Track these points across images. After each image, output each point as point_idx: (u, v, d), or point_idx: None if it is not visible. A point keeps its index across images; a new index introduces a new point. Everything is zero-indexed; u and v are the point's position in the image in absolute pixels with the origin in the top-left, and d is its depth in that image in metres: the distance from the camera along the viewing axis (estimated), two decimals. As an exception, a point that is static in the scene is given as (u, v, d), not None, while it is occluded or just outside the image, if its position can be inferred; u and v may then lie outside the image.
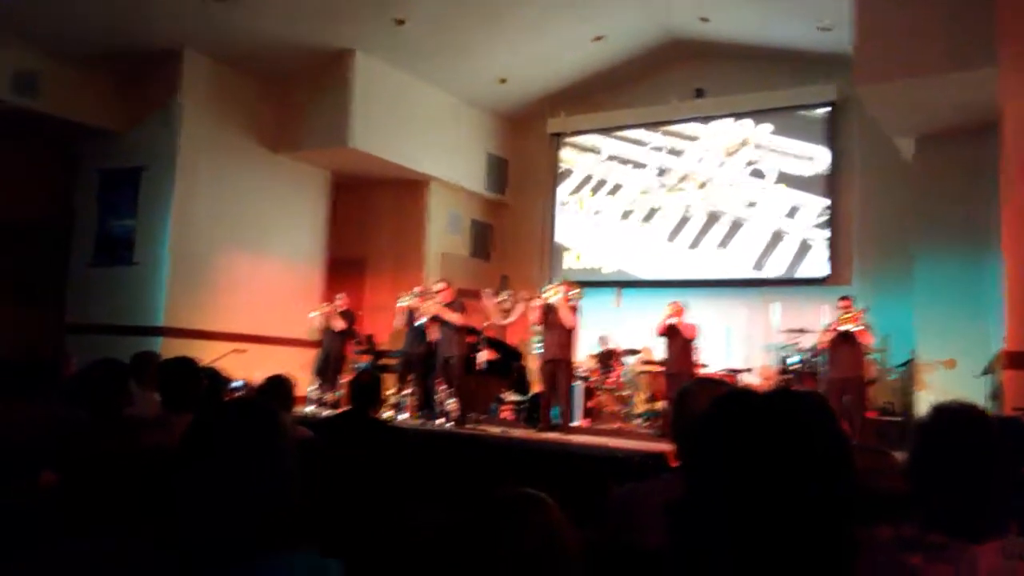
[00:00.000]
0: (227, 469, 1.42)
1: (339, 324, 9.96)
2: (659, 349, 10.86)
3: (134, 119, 10.73)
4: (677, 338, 8.90)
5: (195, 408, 3.33)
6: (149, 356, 5.07)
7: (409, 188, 12.48)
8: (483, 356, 9.39)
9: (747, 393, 1.14)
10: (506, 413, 10.18)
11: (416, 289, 9.51)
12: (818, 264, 11.11)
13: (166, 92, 10.47)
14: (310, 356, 10.28)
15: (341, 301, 10.18)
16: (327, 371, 9.76)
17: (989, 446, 1.70)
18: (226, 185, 10.83)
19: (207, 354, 8.63)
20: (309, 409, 8.91)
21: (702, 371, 9.67)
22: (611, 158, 13.03)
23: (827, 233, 11.10)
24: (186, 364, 3.78)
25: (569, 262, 13.07)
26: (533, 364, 10.40)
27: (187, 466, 1.44)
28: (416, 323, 9.24)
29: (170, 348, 8.91)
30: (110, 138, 10.77)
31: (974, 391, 7.66)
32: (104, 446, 2.85)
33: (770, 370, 10.45)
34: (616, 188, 12.90)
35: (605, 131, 13.06)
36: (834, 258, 11.02)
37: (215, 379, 4.37)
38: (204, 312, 10.42)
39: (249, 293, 10.92)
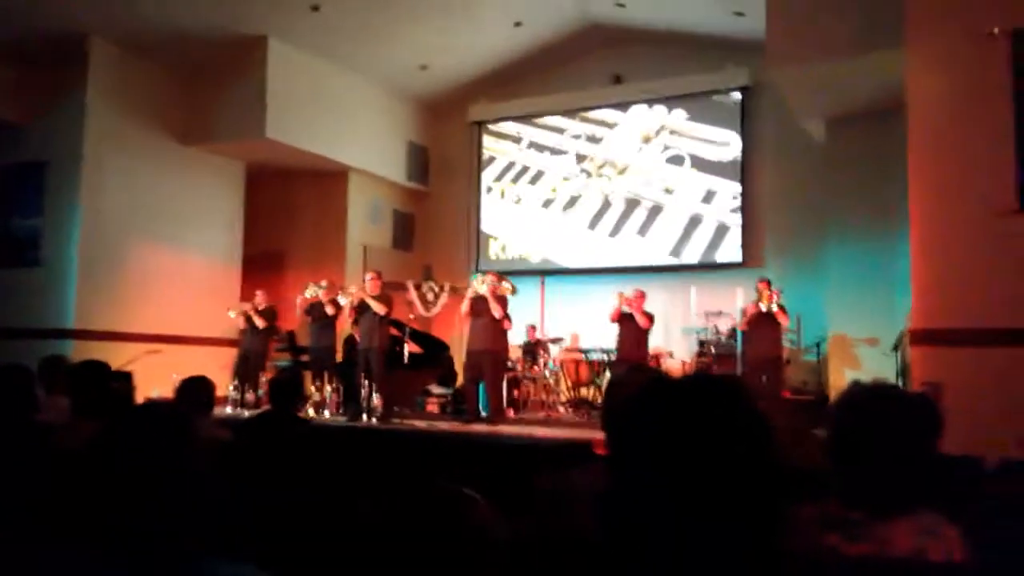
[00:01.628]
0: (136, 476, 1.37)
1: (260, 322, 9.74)
2: (588, 336, 11.01)
3: (36, 111, 10.27)
4: (630, 326, 8.88)
5: (105, 414, 3.20)
6: (57, 360, 4.90)
7: (328, 179, 12.28)
8: (407, 349, 9.31)
9: (667, 378, 1.14)
10: (433, 406, 10.14)
11: (323, 282, 9.37)
12: (733, 248, 11.37)
13: (70, 82, 10.04)
14: (229, 356, 10.05)
15: (260, 298, 9.96)
16: (247, 371, 9.55)
17: (903, 421, 1.75)
18: (137, 180, 10.46)
19: (121, 356, 8.36)
20: (229, 410, 8.70)
21: (663, 359, 9.80)
22: (532, 145, 13.08)
23: (740, 217, 11.36)
24: (95, 368, 3.65)
25: (495, 251, 13.08)
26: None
27: (96, 473, 1.39)
28: (321, 317, 9.10)
29: (82, 351, 8.56)
30: (12, 131, 10.28)
31: (885, 367, 7.98)
32: (10, 453, 2.73)
33: (688, 354, 10.67)
34: (538, 176, 12.96)
35: (525, 118, 13.10)
36: (747, 242, 11.30)
37: (126, 383, 4.22)
38: (117, 313, 10.07)
39: (164, 292, 10.59)
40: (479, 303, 8.39)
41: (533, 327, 11.21)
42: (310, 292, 9.26)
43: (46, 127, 10.17)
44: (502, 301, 8.44)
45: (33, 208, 10.18)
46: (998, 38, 5.93)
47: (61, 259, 9.90)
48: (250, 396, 9.19)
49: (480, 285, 8.42)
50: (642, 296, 8.95)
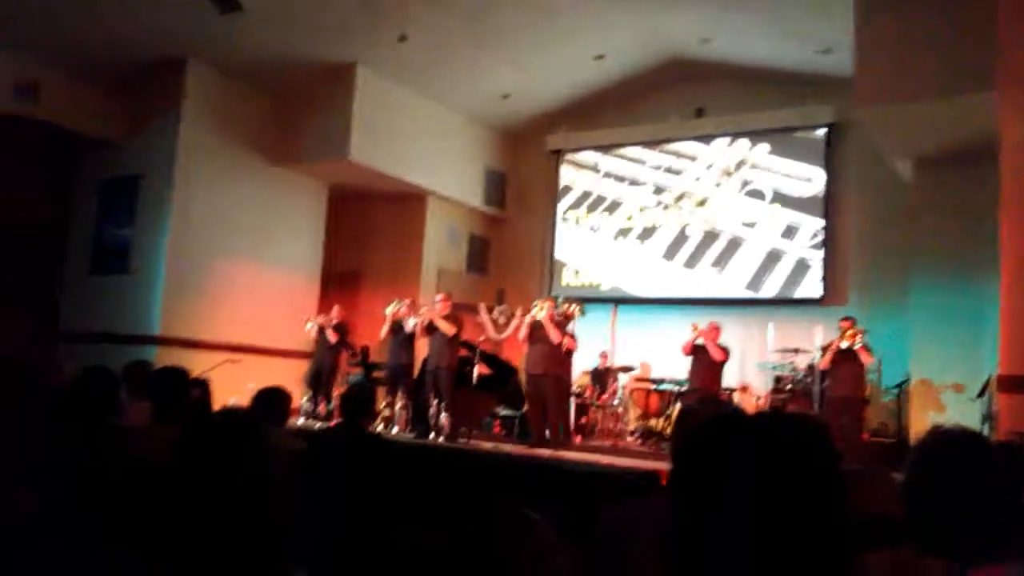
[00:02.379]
0: (213, 483, 1.40)
1: (332, 336, 9.94)
2: (658, 366, 10.89)
3: (134, 129, 10.75)
4: (704, 358, 8.73)
5: (184, 420, 3.30)
6: (141, 365, 5.03)
7: (407, 202, 12.49)
8: (477, 370, 9.35)
9: (739, 414, 1.12)
10: (499, 428, 10.15)
11: (405, 300, 9.49)
12: (813, 285, 11.12)
13: (167, 102, 10.49)
14: (304, 368, 10.25)
15: (336, 313, 10.17)
16: (319, 383, 9.74)
17: (985, 470, 1.68)
18: (224, 195, 10.83)
19: (202, 364, 8.60)
20: (301, 421, 8.86)
21: (733, 393, 9.63)
22: (609, 175, 13.06)
23: (822, 254, 11.11)
24: (176, 374, 3.75)
25: (568, 278, 13.07)
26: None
27: (176, 479, 1.42)
28: (401, 333, 9.21)
29: (165, 357, 8.87)
30: (109, 147, 10.78)
31: (969, 414, 7.66)
32: (91, 458, 2.82)
33: (764, 390, 10.44)
34: (614, 205, 12.92)
35: (604, 148, 13.10)
36: (829, 279, 11.03)
37: (205, 390, 4.33)
38: (199, 322, 10.39)
39: (245, 303, 10.90)
40: (537, 328, 8.42)
41: (604, 354, 11.14)
42: (391, 308, 9.39)
43: (143, 144, 10.63)
44: (561, 325, 8.43)
45: (126, 219, 10.62)
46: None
47: (149, 268, 10.29)
48: (322, 408, 9.35)
49: (538, 311, 8.45)
50: (717, 329, 8.80)
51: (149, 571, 1.36)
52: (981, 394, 7.72)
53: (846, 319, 8.45)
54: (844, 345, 8.15)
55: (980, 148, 6.99)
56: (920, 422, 8.40)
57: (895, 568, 1.66)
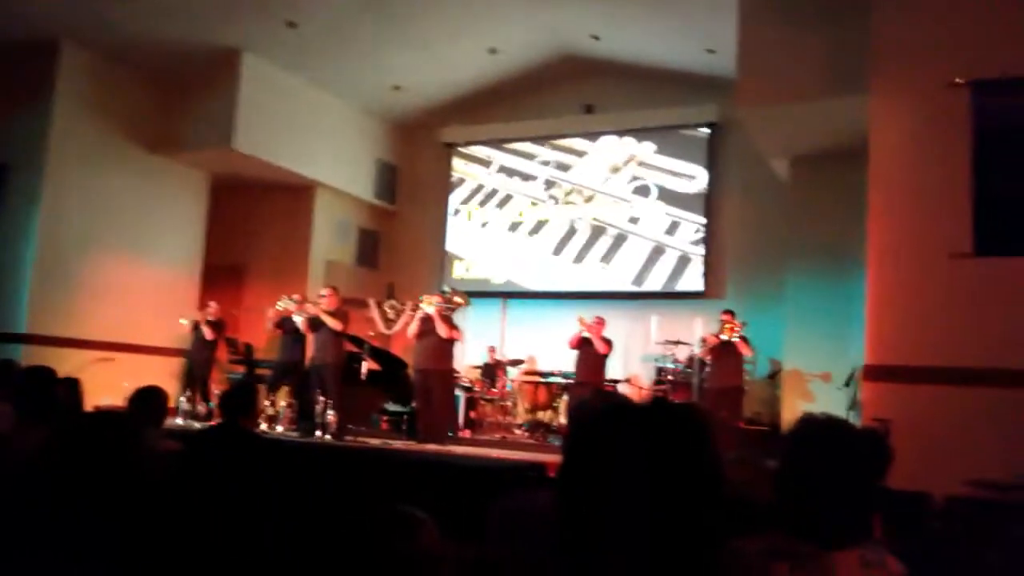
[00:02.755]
0: (82, 483, 1.34)
1: (209, 332, 9.62)
2: (546, 359, 11.04)
3: (1, 114, 10.09)
4: (589, 351, 8.94)
5: (51, 421, 3.13)
6: (6, 364, 4.79)
7: (295, 193, 12.21)
8: (365, 366, 9.25)
9: (629, 404, 1.15)
10: (388, 425, 10.07)
11: (295, 296, 9.29)
12: (695, 279, 11.50)
13: (37, 85, 9.90)
14: (181, 366, 9.91)
15: (213, 309, 9.85)
16: (194, 381, 9.42)
17: (851, 456, 1.77)
18: (99, 185, 10.31)
19: (74, 362, 8.21)
20: (180, 421, 8.55)
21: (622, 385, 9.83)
22: (501, 170, 13.13)
23: (703, 249, 11.50)
24: (40, 373, 3.57)
25: (459, 272, 13.08)
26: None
27: (41, 481, 1.36)
28: (290, 330, 9.02)
29: (33, 356, 8.41)
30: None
31: (836, 402, 8.09)
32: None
33: (646, 381, 10.73)
34: (506, 199, 13.00)
35: (496, 143, 13.16)
36: (709, 274, 11.43)
37: (74, 389, 4.13)
38: (71, 318, 9.87)
39: (120, 299, 10.41)
40: (426, 323, 8.41)
41: (493, 348, 11.21)
42: (281, 305, 9.17)
43: (9, 129, 9.99)
44: (448, 319, 8.46)
45: (-11, 209, 9.98)
46: (960, 88, 6.11)
47: (15, 262, 9.69)
48: (202, 408, 9.06)
49: (427, 305, 8.46)
50: (601, 322, 9.04)
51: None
52: (847, 383, 8.16)
53: (727, 312, 8.78)
54: (724, 337, 8.47)
55: (853, 147, 7.36)
56: (793, 411, 8.80)
57: (766, 553, 1.73)
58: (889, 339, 6.26)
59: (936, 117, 6.29)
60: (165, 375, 9.88)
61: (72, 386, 4.15)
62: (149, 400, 4.19)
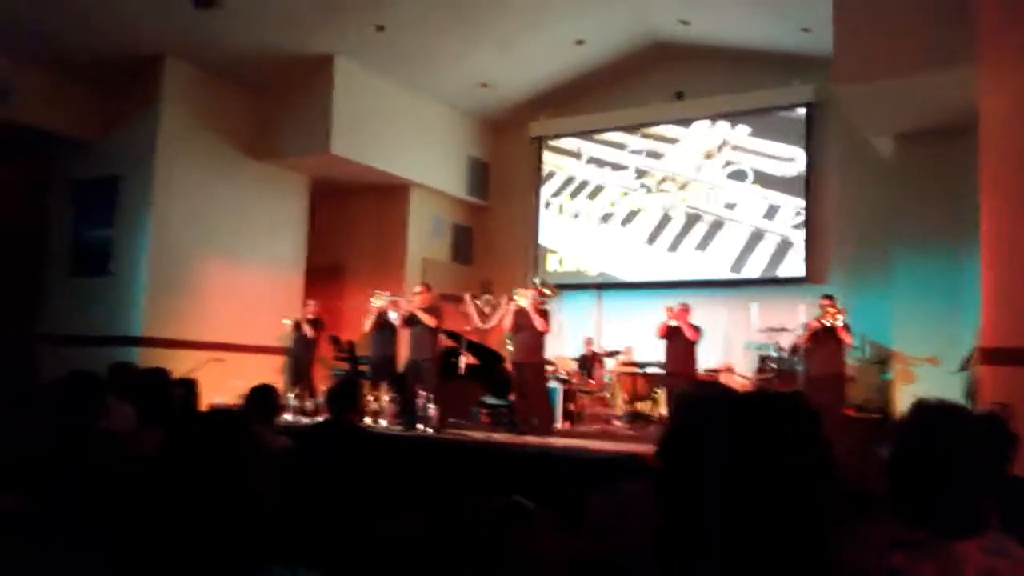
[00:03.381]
0: (199, 484, 1.39)
1: (309, 330, 9.91)
2: (643, 350, 10.93)
3: (111, 128, 10.65)
4: (678, 340, 8.83)
5: (168, 421, 3.28)
6: (125, 367, 5.00)
7: (390, 193, 12.45)
8: (464, 360, 9.35)
9: (729, 395, 1.13)
10: (487, 418, 10.16)
11: (387, 293, 9.47)
12: (796, 264, 11.17)
13: (145, 100, 10.39)
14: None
15: (312, 307, 10.14)
16: (300, 378, 9.72)
17: (969, 443, 1.70)
18: (205, 193, 10.74)
19: (186, 364, 8.57)
20: (289, 418, 8.84)
21: (702, 373, 9.69)
22: (592, 161, 13.06)
23: (804, 233, 11.16)
24: (158, 375, 3.72)
25: (552, 265, 13.08)
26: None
27: (160, 482, 1.41)
28: (387, 326, 9.20)
29: (148, 358, 8.84)
30: (86, 147, 10.68)
31: (951, 388, 7.74)
32: (77, 461, 2.80)
33: (747, 370, 10.49)
34: (597, 190, 12.93)
35: (586, 134, 13.09)
36: (811, 258, 11.09)
37: (190, 390, 4.31)
38: (183, 321, 10.32)
39: (228, 301, 10.83)
40: (521, 316, 8.42)
41: (590, 340, 11.16)
42: (377, 301, 9.38)
43: (120, 142, 10.52)
44: (543, 312, 8.45)
45: (105, 220, 10.52)
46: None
47: (130, 269, 10.21)
48: (309, 404, 9.33)
49: (521, 299, 8.46)
50: (687, 309, 8.90)
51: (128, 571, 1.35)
52: (962, 368, 7.80)
53: (826, 297, 8.50)
54: (826, 324, 8.19)
55: (958, 123, 7.03)
56: (904, 397, 8.47)
57: (883, 542, 1.67)
58: (1006, 320, 5.95)
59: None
60: (271, 373, 10.23)
61: (189, 387, 4.33)
62: (263, 398, 4.34)
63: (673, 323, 8.82)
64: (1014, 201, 6.04)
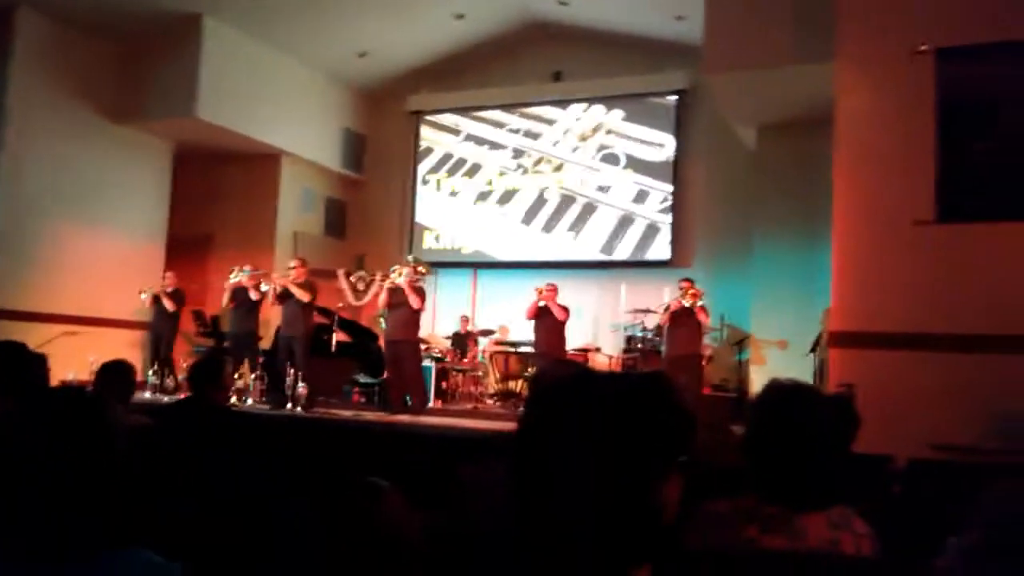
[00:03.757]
0: (45, 463, 1.32)
1: (169, 304, 9.51)
2: (518, 329, 11.06)
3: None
4: (547, 319, 8.92)
5: (19, 397, 3.08)
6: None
7: (260, 162, 12.04)
8: (336, 337, 9.20)
9: (591, 374, 1.14)
10: (359, 396, 10.05)
11: (247, 267, 9.20)
12: (663, 248, 11.55)
13: (-8, 54, 9.64)
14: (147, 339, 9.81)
15: (169, 280, 9.73)
16: (159, 354, 9.33)
17: (819, 422, 1.79)
18: (60, 155, 10.10)
19: (38, 337, 8.06)
20: (148, 395, 8.47)
21: (570, 352, 9.85)
22: (470, 138, 13.05)
23: (671, 217, 11.54)
24: (10, 348, 3.49)
25: (429, 242, 13.02)
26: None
27: (3, 458, 1.33)
28: (245, 302, 8.94)
29: (-6, 331, 8.26)
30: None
31: (802, 369, 8.20)
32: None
33: (616, 351, 10.80)
34: (474, 169, 12.94)
35: (465, 111, 13.06)
36: (677, 242, 11.49)
37: (41, 366, 4.05)
38: (33, 292, 9.70)
39: (83, 272, 10.25)
40: (397, 294, 8.35)
41: (465, 318, 11.20)
42: (234, 276, 9.08)
43: (-36, 98, 9.74)
44: (418, 290, 8.40)
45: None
46: (925, 56, 6.14)
47: (-26, 234, 9.50)
48: (170, 381, 8.98)
49: (397, 276, 8.38)
50: (555, 289, 9.00)
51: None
52: (813, 350, 8.28)
53: (685, 280, 8.80)
54: (686, 304, 8.48)
55: (819, 115, 7.39)
56: (759, 377, 8.91)
57: (736, 516, 1.76)
58: (854, 305, 6.34)
59: (901, 85, 6.33)
60: (131, 348, 9.77)
61: (39, 362, 4.07)
62: (116, 375, 4.13)
63: (542, 303, 8.93)
64: (863, 193, 6.43)
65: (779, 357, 9.07)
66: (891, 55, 6.38)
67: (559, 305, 8.88)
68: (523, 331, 10.81)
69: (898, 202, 6.24)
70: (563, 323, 8.91)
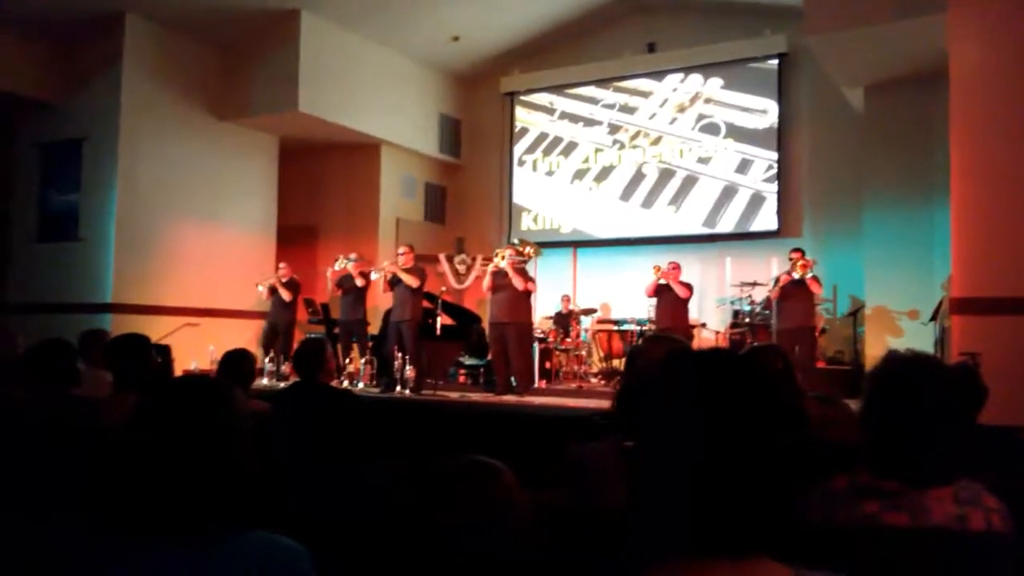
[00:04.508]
0: (177, 450, 1.38)
1: (286, 294, 9.84)
2: (619, 307, 11.00)
3: (73, 88, 10.38)
4: (668, 297, 8.87)
5: (145, 386, 3.24)
6: (98, 334, 4.94)
7: (361, 152, 12.29)
8: (440, 321, 9.35)
9: (689, 350, 1.12)
10: (464, 378, 10.19)
11: (352, 254, 9.42)
12: (769, 218, 11.22)
13: (106, 59, 10.11)
14: (262, 328, 10.18)
15: (284, 271, 10.06)
16: (275, 342, 9.67)
17: (940, 393, 1.72)
18: (172, 154, 10.55)
19: (158, 329, 8.50)
20: (265, 382, 8.81)
21: (694, 329, 9.75)
22: (564, 116, 12.97)
23: (776, 186, 11.20)
24: (136, 341, 3.68)
25: (527, 223, 13.05)
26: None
27: (135, 446, 1.40)
28: (352, 288, 9.17)
29: (120, 325, 8.73)
30: (49, 109, 10.42)
31: (924, 338, 7.86)
32: (50, 427, 2.77)
33: (723, 325, 10.58)
34: (570, 147, 12.86)
35: (558, 88, 12.98)
36: (783, 211, 11.14)
37: (166, 356, 4.27)
38: (153, 286, 10.20)
39: (199, 265, 10.71)
40: (500, 276, 8.40)
41: (567, 298, 11.19)
42: (340, 264, 9.33)
43: (82, 104, 10.27)
44: (522, 272, 8.43)
45: (71, 184, 10.31)
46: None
47: (99, 234, 10.03)
48: (286, 367, 9.32)
49: (500, 260, 8.42)
50: (678, 267, 8.93)
51: (104, 541, 1.34)
52: (933, 318, 7.91)
53: (796, 250, 8.53)
54: (796, 276, 8.23)
55: (929, 72, 7.05)
56: (876, 348, 8.59)
57: (854, 492, 1.70)
58: (976, 270, 6.02)
59: (1019, 35, 5.94)
60: (248, 338, 10.17)
61: (163, 353, 4.29)
62: (237, 363, 4.30)
63: (663, 282, 8.86)
64: (982, 150, 6.08)
65: (897, 327, 8.72)
66: (1009, 4, 5.99)
67: (681, 283, 8.81)
68: (625, 308, 10.74)
69: (1020, 159, 5.87)
70: (686, 300, 8.84)
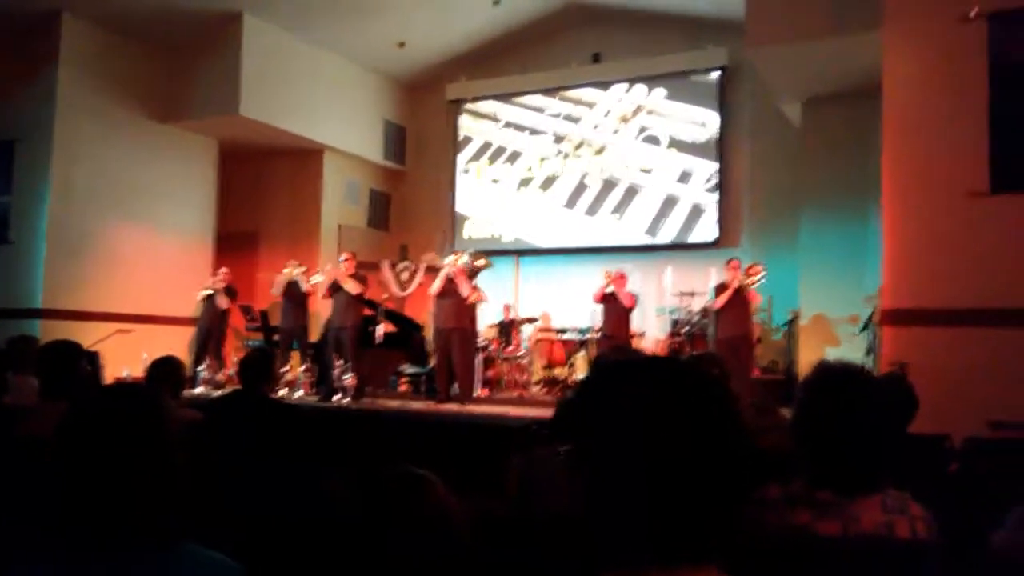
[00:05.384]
0: (105, 458, 1.34)
1: (223, 301, 9.64)
2: (560, 315, 11.04)
3: (6, 89, 10.06)
4: (614, 306, 8.97)
5: (75, 395, 3.16)
6: (26, 340, 4.81)
7: (303, 158, 12.15)
8: (381, 329, 9.27)
9: (640, 359, 1.13)
10: (405, 386, 10.12)
11: (297, 263, 9.31)
12: (709, 228, 11.41)
13: (41, 59, 9.84)
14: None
15: (223, 276, 9.86)
16: (207, 349, 9.46)
17: (869, 403, 1.75)
18: (109, 158, 10.29)
19: (90, 336, 8.27)
20: (199, 390, 8.63)
21: (636, 338, 9.84)
22: (509, 125, 13.01)
23: (716, 197, 11.39)
24: (64, 348, 3.58)
25: (469, 231, 13.03)
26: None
27: (63, 456, 1.36)
28: (296, 296, 9.05)
29: (50, 331, 8.47)
30: (-22, 109, 10.09)
31: (853, 348, 8.06)
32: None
33: (663, 334, 10.70)
34: (515, 155, 12.90)
35: (504, 97, 13.02)
36: (723, 221, 11.33)
37: (95, 363, 4.16)
38: (86, 292, 9.92)
39: (134, 271, 10.45)
40: (449, 282, 8.38)
41: (508, 306, 11.20)
42: (288, 272, 9.19)
43: (17, 105, 9.96)
44: (471, 279, 8.43)
45: (1, 186, 9.99)
46: (975, 22, 5.96)
47: (29, 237, 9.73)
48: (221, 376, 9.13)
49: (450, 266, 8.40)
50: (624, 277, 9.05)
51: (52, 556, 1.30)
52: (863, 328, 8.12)
53: (732, 261, 8.64)
54: (746, 283, 8.34)
55: (866, 86, 7.23)
56: (809, 358, 8.77)
57: (787, 501, 1.73)
58: (906, 282, 6.20)
59: (951, 52, 6.15)
60: (183, 345, 9.95)
61: (92, 360, 4.17)
62: (167, 370, 4.21)
63: (610, 289, 8.96)
64: (913, 165, 6.27)
65: (833, 336, 8.92)
66: (941, 21, 6.20)
67: (626, 292, 8.92)
68: (566, 318, 10.79)
69: (950, 174, 6.07)
70: (630, 310, 8.94)
